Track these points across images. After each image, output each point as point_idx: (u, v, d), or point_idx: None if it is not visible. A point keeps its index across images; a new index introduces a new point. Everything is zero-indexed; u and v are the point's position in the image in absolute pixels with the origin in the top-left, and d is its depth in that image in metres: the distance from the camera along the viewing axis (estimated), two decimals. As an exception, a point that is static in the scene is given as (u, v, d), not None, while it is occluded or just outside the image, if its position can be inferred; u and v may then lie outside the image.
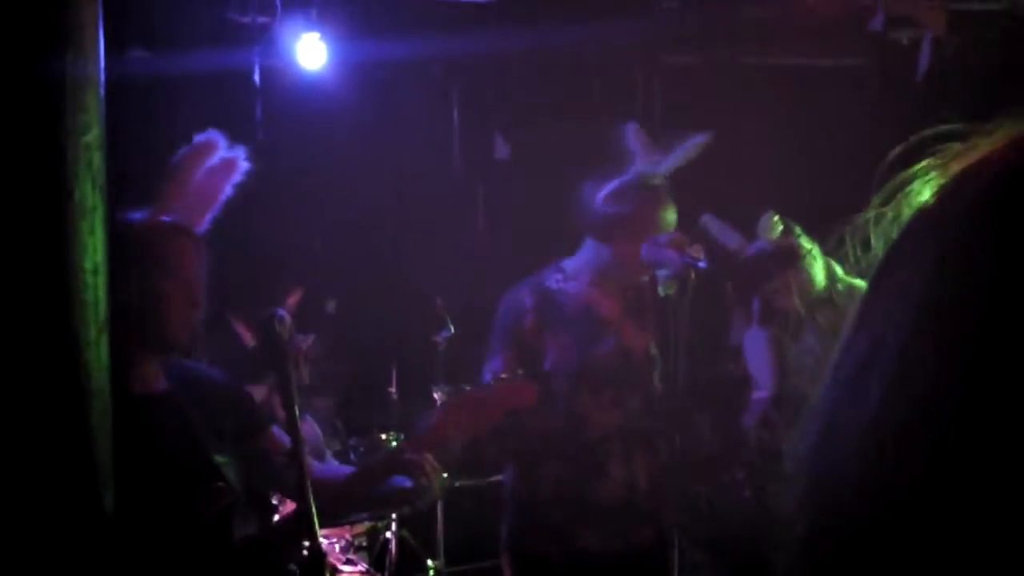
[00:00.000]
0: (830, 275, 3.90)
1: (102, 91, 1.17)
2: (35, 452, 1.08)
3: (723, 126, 5.96)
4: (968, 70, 5.05)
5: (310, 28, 5.33)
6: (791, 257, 3.88)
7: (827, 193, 4.01)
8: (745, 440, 4.02)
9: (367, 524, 4.66)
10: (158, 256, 2.35)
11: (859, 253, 0.75)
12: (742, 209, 4.27)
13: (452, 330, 5.37)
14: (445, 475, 2.54)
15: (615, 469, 3.23)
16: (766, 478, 3.94)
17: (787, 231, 3.96)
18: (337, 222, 6.58)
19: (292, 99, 5.46)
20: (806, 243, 3.91)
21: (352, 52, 5.70)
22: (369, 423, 5.53)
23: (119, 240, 2.35)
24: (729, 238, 4.03)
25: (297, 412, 2.25)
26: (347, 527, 4.49)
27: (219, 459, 2.37)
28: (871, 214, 0.75)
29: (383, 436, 5.31)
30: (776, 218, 3.96)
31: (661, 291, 3.10)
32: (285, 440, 2.65)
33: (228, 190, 2.52)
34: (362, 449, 5.29)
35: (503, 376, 2.65)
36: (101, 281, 1.15)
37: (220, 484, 2.32)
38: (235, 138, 2.59)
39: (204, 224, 2.51)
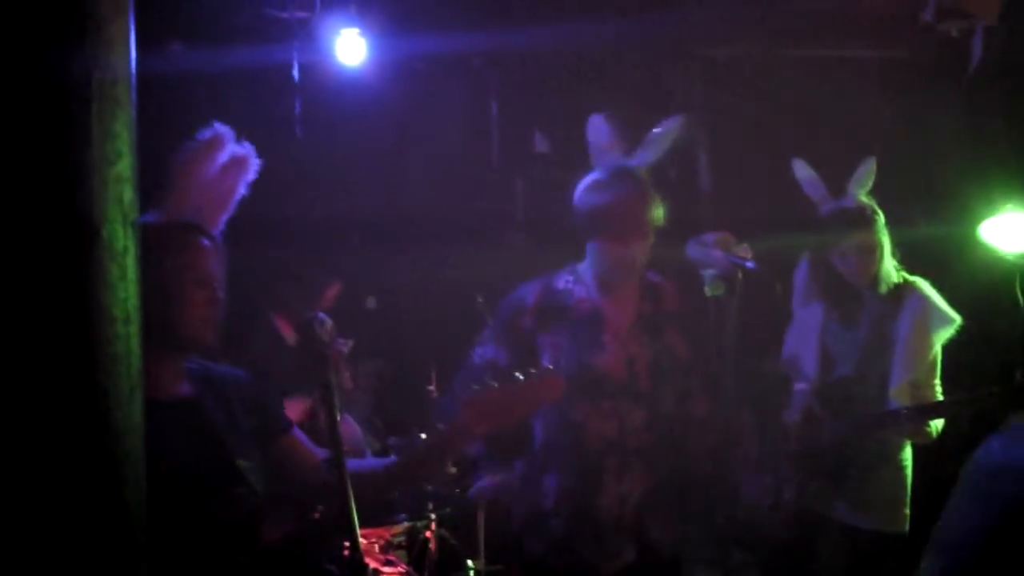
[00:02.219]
0: (893, 260, 3.83)
1: (133, 113, 1.08)
2: (66, 528, 1.00)
3: (766, 120, 5.89)
4: (1020, 62, 4.94)
5: (349, 24, 5.30)
6: (869, 220, 3.81)
7: (878, 186, 3.94)
8: (787, 438, 3.94)
9: (406, 524, 4.63)
10: (174, 257, 2.31)
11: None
12: (785, 208, 4.20)
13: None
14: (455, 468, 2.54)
15: (609, 483, 3.16)
16: (808, 477, 3.86)
17: (869, 197, 3.89)
18: (376, 218, 6.55)
19: (331, 95, 5.43)
20: (882, 218, 3.84)
21: (391, 48, 5.66)
22: (409, 422, 5.50)
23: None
24: (814, 188, 3.96)
25: (338, 416, 2.21)
26: (387, 527, 4.46)
27: (242, 463, 2.33)
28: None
29: (423, 435, 5.27)
30: (873, 168, 3.88)
31: (708, 291, 3.02)
32: (308, 443, 2.62)
33: (242, 189, 2.46)
34: (402, 448, 5.26)
35: (532, 371, 2.58)
36: (134, 331, 1.05)
37: (242, 489, 2.29)
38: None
39: (219, 224, 2.46)
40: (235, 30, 5.29)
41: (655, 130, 3.24)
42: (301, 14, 5.35)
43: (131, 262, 1.05)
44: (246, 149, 2.45)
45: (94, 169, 1.01)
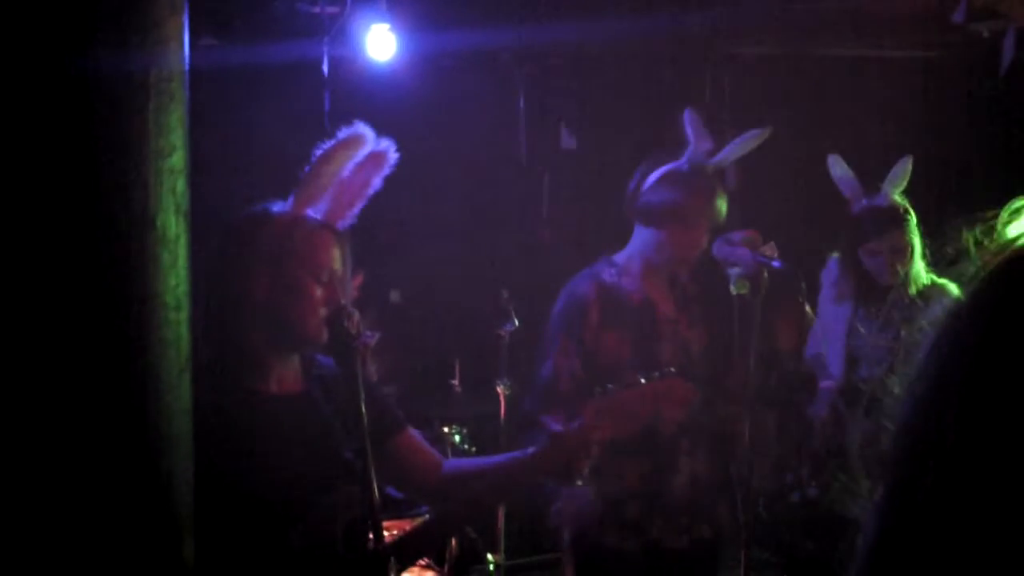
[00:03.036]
0: (923, 262, 3.82)
1: (186, 108, 1.11)
2: (110, 505, 1.03)
3: (797, 119, 5.87)
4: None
5: (380, 19, 5.31)
6: (901, 220, 3.80)
7: (908, 186, 3.93)
8: (811, 436, 3.94)
9: (427, 517, 4.64)
10: (299, 251, 2.31)
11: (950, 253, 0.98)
12: (813, 207, 4.19)
13: (516, 323, 5.34)
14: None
15: (684, 464, 3.25)
16: (831, 476, 3.86)
17: (903, 196, 3.89)
18: (403, 213, 6.57)
19: (361, 90, 5.45)
20: (915, 219, 3.83)
21: (421, 43, 5.67)
22: (431, 415, 5.52)
23: (260, 234, 2.33)
24: (848, 186, 3.96)
25: (363, 408, 2.20)
26: (408, 520, 4.48)
27: (355, 461, 2.29)
28: (969, 231, 0.96)
29: (445, 429, 5.30)
30: (908, 168, 3.87)
31: (733, 289, 3.03)
32: (424, 443, 2.63)
33: (377, 184, 2.45)
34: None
35: (655, 375, 2.57)
36: (184, 317, 1.08)
37: (355, 488, 2.25)
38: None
39: (348, 219, 2.45)
40: (266, 25, 5.31)
41: (742, 136, 3.28)
42: (332, 9, 5.36)
43: (182, 251, 1.08)
44: (385, 145, 2.45)
45: (149, 162, 1.04)
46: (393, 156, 2.47)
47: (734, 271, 3.05)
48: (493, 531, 5.25)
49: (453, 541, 5.18)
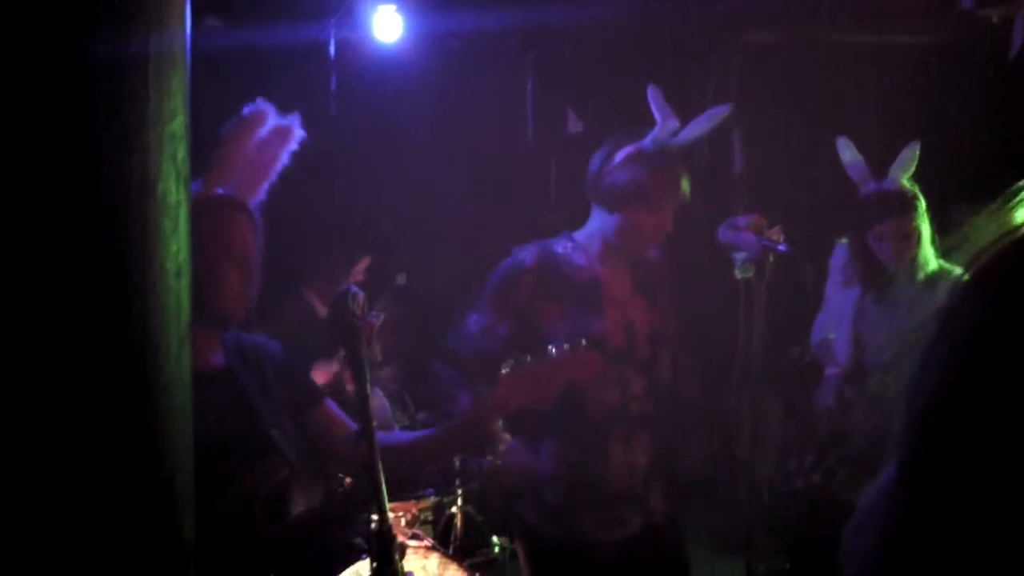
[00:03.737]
0: (932, 247, 3.81)
1: (188, 74, 1.10)
2: (108, 480, 1.02)
3: (806, 105, 5.85)
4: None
5: (386, 0, 5.30)
6: (909, 205, 3.78)
7: (916, 172, 3.91)
8: (817, 424, 3.94)
9: (432, 499, 4.66)
10: (210, 230, 2.31)
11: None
12: (820, 192, 4.18)
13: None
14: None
15: (615, 451, 3.11)
16: (836, 463, 3.85)
17: (911, 182, 3.86)
18: (409, 195, 6.57)
19: (367, 71, 5.44)
20: (923, 204, 3.81)
21: (428, 25, 5.66)
22: (437, 397, 5.52)
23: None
24: (857, 169, 3.94)
25: (368, 388, 2.20)
26: (412, 502, 4.49)
27: (275, 433, 2.34)
28: (979, 216, 0.94)
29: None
30: (916, 153, 3.85)
31: (738, 274, 3.01)
32: (340, 414, 2.63)
33: (284, 159, 2.47)
34: (430, 424, 5.29)
35: (566, 346, 2.57)
36: (184, 284, 1.07)
37: (275, 459, 2.30)
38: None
39: (258, 195, 2.47)
40: (272, 5, 5.30)
41: (704, 115, 3.18)
42: (339, -10, 5.36)
43: (183, 217, 1.07)
44: (289, 120, 2.46)
45: (150, 126, 1.03)
46: (298, 131, 2.48)
47: (739, 255, 3.02)
48: (499, 514, 5.26)
49: (458, 523, 5.20)
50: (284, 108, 2.51)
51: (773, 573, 5.49)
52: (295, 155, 2.50)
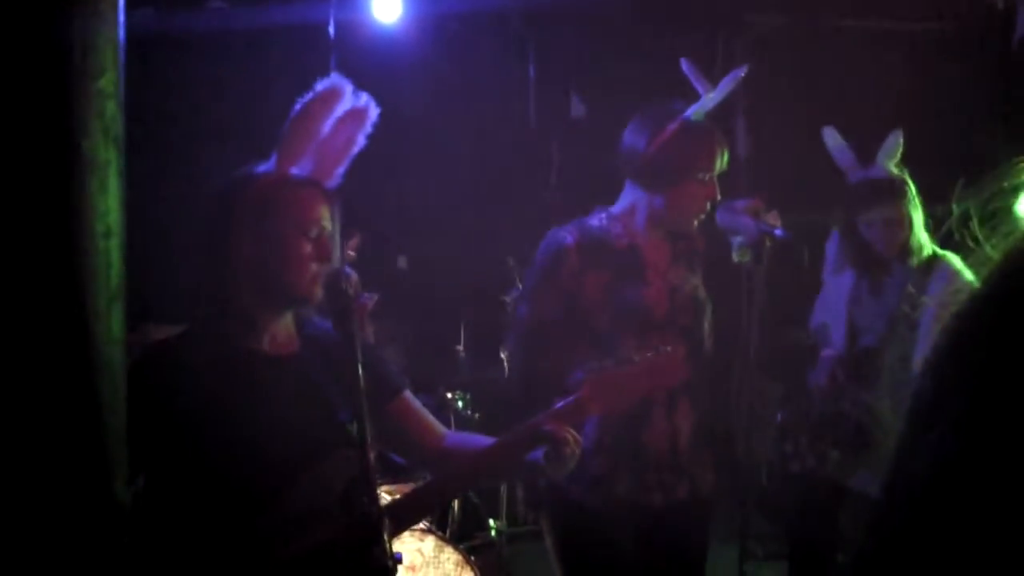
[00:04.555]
0: (926, 233, 3.81)
1: (120, 31, 1.07)
2: (38, 434, 1.02)
3: (807, 89, 5.82)
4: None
5: (386, -19, 5.28)
6: (896, 192, 3.79)
7: (918, 158, 3.90)
8: (811, 406, 3.95)
9: (423, 483, 4.66)
10: (284, 208, 2.30)
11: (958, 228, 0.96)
12: (820, 177, 4.17)
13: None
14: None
15: (658, 417, 3.09)
16: (829, 445, 3.86)
17: (900, 169, 3.87)
18: (410, 178, 6.56)
19: (367, 53, 5.42)
20: (913, 190, 3.82)
21: (428, 6, 5.64)
22: (436, 380, 5.53)
23: (245, 193, 2.32)
24: (844, 157, 3.94)
25: (360, 371, 2.19)
26: (409, 484, 4.49)
27: (350, 427, 2.25)
28: (975, 203, 0.96)
29: (449, 395, 5.31)
30: (900, 140, 3.85)
31: (736, 258, 2.99)
32: (420, 408, 2.61)
33: (360, 141, 2.40)
34: (429, 406, 5.29)
35: (649, 353, 2.55)
36: (115, 245, 1.05)
37: (350, 452, 2.21)
38: (308, 91, 2.49)
39: (335, 178, 2.42)
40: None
41: (725, 79, 3.11)
42: (339, -30, 5.33)
43: (113, 176, 1.05)
44: (365, 101, 2.40)
45: (74, 83, 1.01)
46: (374, 112, 2.41)
47: (737, 239, 3.00)
48: (495, 497, 5.27)
49: (455, 506, 5.21)
50: (285, 86, 2.45)
51: (770, 557, 5.50)
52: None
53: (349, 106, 2.38)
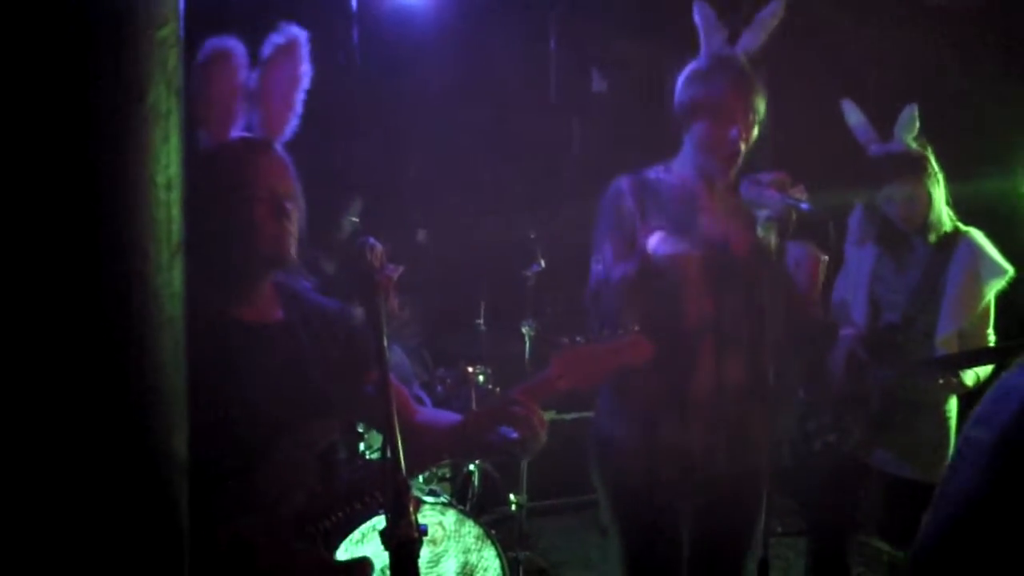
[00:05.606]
0: (948, 209, 3.79)
1: None
2: (97, 388, 1.01)
3: (831, 64, 5.78)
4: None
5: (410, -46, 5.26)
6: (916, 166, 3.76)
7: (941, 134, 3.87)
8: (832, 385, 3.93)
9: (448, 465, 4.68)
10: (233, 174, 2.26)
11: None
12: (843, 151, 4.14)
13: (543, 264, 5.33)
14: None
15: (705, 364, 3.05)
16: (851, 423, 3.85)
17: (921, 144, 3.83)
18: (431, 152, 6.55)
19: (389, 26, 5.41)
20: (935, 165, 3.79)
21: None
22: (456, 355, 5.54)
23: (195, 169, 2.31)
24: (863, 131, 3.92)
25: (385, 342, 2.17)
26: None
27: (331, 395, 2.29)
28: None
29: (470, 368, 5.32)
30: (916, 114, 3.82)
31: (760, 232, 2.95)
32: (398, 383, 2.59)
33: (302, 76, 2.32)
34: (449, 381, 5.31)
35: (619, 332, 2.55)
36: (175, 197, 1.05)
37: (331, 422, 2.25)
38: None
39: (286, 125, 2.35)
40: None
41: (760, 13, 3.10)
42: (362, -57, 5.32)
43: (174, 128, 1.04)
44: (288, 35, 2.31)
45: (138, 32, 1.00)
46: (302, 39, 2.32)
47: (762, 213, 2.97)
48: (516, 471, 5.29)
49: (475, 480, 5.22)
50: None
51: (789, 532, 5.51)
52: (311, 111, 2.36)
53: (269, 51, 2.31)
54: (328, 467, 2.26)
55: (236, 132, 2.33)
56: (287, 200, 2.31)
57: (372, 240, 2.21)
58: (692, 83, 3.09)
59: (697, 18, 3.13)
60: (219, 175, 2.27)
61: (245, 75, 2.31)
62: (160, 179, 1.02)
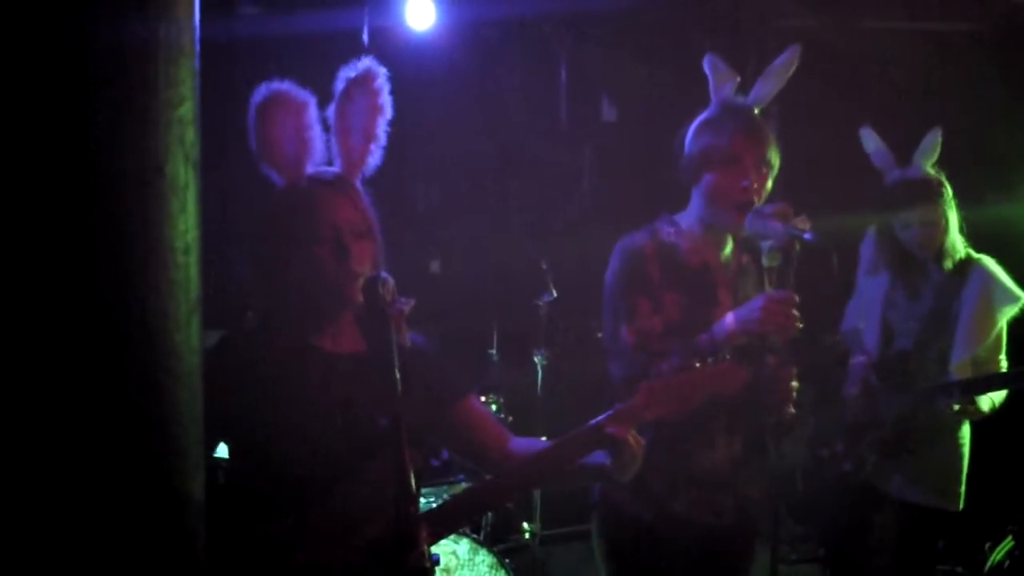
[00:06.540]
0: (960, 236, 3.80)
1: (197, 62, 1.15)
2: (123, 440, 1.08)
3: (837, 91, 5.81)
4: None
5: (419, -12, 5.32)
6: (933, 193, 3.77)
7: (953, 160, 3.89)
8: (846, 411, 3.94)
9: (464, 484, 4.69)
10: (298, 215, 2.29)
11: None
12: (851, 180, 4.17)
13: (555, 294, 5.36)
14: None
15: (720, 439, 3.07)
16: (866, 449, 3.85)
17: (937, 170, 3.85)
18: (443, 183, 6.60)
19: (399, 59, 5.47)
20: (950, 191, 3.80)
21: (460, 12, 5.67)
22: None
23: (259, 211, 2.35)
24: (881, 158, 3.93)
25: (397, 374, 2.18)
26: (444, 486, 4.53)
27: (415, 423, 2.27)
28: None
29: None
30: (939, 140, 3.83)
31: (765, 263, 2.96)
32: (486, 411, 2.62)
33: (384, 107, 2.36)
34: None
35: (710, 360, 2.53)
36: (193, 260, 1.13)
37: (416, 451, 2.21)
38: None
39: (364, 162, 2.38)
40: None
41: (773, 63, 3.07)
42: (372, -22, 5.38)
43: (191, 198, 1.13)
44: (364, 66, 2.37)
45: (158, 112, 1.08)
46: (380, 73, 2.37)
47: (766, 244, 2.98)
48: (529, 500, 5.30)
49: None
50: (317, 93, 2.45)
51: (802, 560, 5.49)
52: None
53: (341, 85, 2.35)
54: (407, 497, 2.24)
55: (312, 168, 2.35)
56: (355, 237, 2.32)
57: (384, 275, 2.23)
58: (702, 133, 3.06)
59: (707, 68, 3.10)
60: (286, 215, 2.31)
61: (311, 114, 2.33)
62: (179, 244, 1.10)
